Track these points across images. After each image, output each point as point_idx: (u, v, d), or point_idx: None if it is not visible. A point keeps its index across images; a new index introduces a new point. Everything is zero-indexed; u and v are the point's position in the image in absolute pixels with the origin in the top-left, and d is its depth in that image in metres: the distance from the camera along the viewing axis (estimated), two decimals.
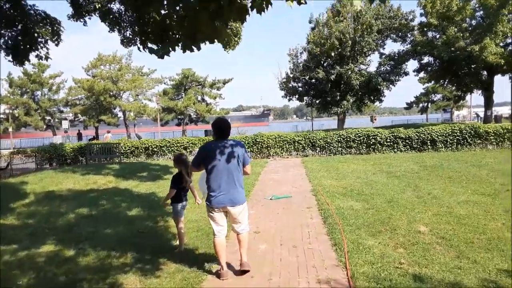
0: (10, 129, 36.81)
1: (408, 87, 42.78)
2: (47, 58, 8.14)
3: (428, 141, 16.90)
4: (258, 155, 17.93)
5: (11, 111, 37.26)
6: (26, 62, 7.81)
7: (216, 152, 4.34)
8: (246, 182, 11.06)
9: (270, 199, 8.61)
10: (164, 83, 41.30)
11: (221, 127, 4.49)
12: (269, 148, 17.84)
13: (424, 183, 9.69)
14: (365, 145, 17.17)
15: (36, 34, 7.70)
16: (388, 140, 17.02)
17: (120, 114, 40.17)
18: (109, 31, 11.60)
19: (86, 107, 37.22)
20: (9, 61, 7.64)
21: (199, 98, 42.75)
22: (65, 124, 34.84)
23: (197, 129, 45.68)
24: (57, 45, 8.74)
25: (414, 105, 52.81)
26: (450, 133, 16.85)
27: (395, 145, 17.03)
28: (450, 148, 16.85)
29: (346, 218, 6.58)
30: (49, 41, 8.29)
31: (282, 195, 8.90)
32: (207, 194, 4.46)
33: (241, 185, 4.46)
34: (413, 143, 16.97)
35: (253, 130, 19.78)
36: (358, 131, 17.42)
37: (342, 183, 10.05)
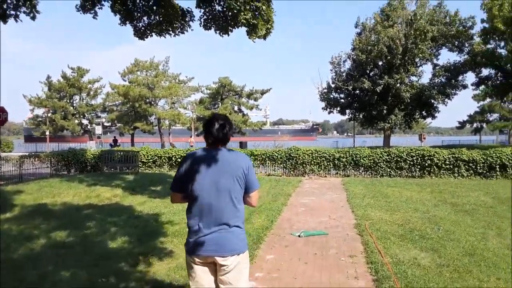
0: (47, 133, 36.83)
1: (456, 106, 39.02)
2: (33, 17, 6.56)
3: (497, 166, 14.01)
4: (291, 172, 15.77)
5: (48, 114, 37.34)
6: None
7: (203, 165, 2.59)
8: (271, 206, 8.95)
9: (299, 235, 6.43)
10: (201, 92, 40.22)
11: (215, 127, 2.62)
12: (304, 165, 15.62)
13: (508, 224, 7.22)
14: (418, 166, 14.52)
15: None
16: (447, 162, 14.29)
17: (155, 122, 39.32)
18: (120, 24, 10.09)
19: (122, 113, 36.60)
20: None
21: (236, 108, 41.25)
22: (98, 130, 34.24)
23: (233, 140, 44.12)
24: (33, 18, 7.14)
25: (468, 124, 48.34)
26: None
27: (456, 168, 14.27)
28: None
29: (411, 283, 4.29)
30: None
31: (315, 231, 6.69)
32: (187, 234, 2.66)
33: (239, 222, 2.62)
34: (478, 167, 14.14)
35: (301, 145, 17.72)
36: (411, 149, 14.81)
37: (396, 218, 7.68)
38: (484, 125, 48.04)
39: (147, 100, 35.89)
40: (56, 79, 38.61)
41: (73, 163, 16.75)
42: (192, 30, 10.56)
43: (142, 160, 16.87)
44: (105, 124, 40.91)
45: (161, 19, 9.77)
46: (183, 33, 10.41)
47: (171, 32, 9.95)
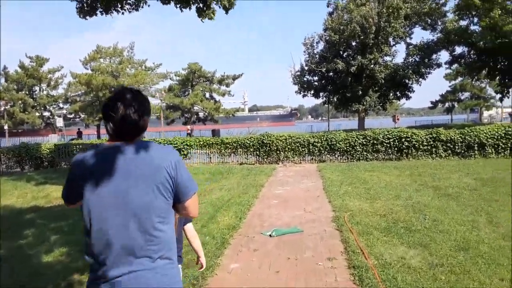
0: (6, 127, 34.53)
1: (426, 86, 39.01)
2: None
3: (475, 145, 13.61)
4: (265, 159, 14.94)
5: (6, 107, 34.97)
6: None
7: (101, 173, 1.67)
8: (241, 200, 8.05)
9: (270, 235, 5.59)
10: (170, 79, 38.64)
11: (119, 110, 1.69)
12: (278, 152, 14.81)
13: (496, 209, 6.63)
14: (396, 149, 13.97)
15: None
16: (425, 143, 13.79)
17: None
18: None
19: (85, 103, 34.67)
20: None
21: (207, 95, 39.98)
22: (60, 122, 32.14)
23: (205, 129, 43.00)
24: None
25: (440, 104, 48.76)
26: (503, 135, 13.53)
27: (434, 149, 13.78)
28: (502, 154, 13.54)
29: None
30: None
31: (289, 229, 5.87)
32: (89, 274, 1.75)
33: (166, 250, 1.70)
34: (456, 147, 13.71)
35: (281, 130, 16.97)
36: (388, 131, 14.22)
37: (377, 207, 6.97)
38: (456, 104, 48.60)
39: (112, 89, 34.11)
40: (13, 69, 36.20)
41: (27, 159, 15.37)
42: (149, 6, 9.47)
43: None
44: (68, 116, 38.77)
45: None
46: (137, 10, 9.29)
47: (119, 8, 8.81)
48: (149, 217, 1.63)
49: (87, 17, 8.58)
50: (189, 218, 1.89)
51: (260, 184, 10.05)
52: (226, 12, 7.96)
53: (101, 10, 8.49)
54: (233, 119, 45.65)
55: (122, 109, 1.66)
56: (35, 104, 36.74)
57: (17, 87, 36.13)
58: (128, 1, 8.93)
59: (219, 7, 8.00)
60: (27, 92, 36.54)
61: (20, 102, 35.73)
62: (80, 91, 35.54)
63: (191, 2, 8.17)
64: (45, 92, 37.37)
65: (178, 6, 8.61)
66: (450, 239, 5.07)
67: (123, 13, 8.80)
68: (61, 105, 39.07)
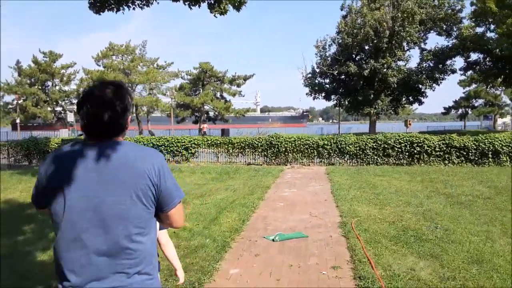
0: (18, 121, 34.92)
1: (440, 92, 38.16)
2: None
3: (490, 153, 13.24)
4: (273, 160, 14.72)
5: (19, 101, 35.34)
6: None
7: (75, 175, 1.43)
8: (246, 202, 7.85)
9: (273, 239, 5.38)
10: (181, 77, 38.65)
11: (94, 106, 1.47)
12: (286, 153, 14.58)
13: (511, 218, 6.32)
14: (407, 153, 13.64)
15: None
16: (437, 149, 13.44)
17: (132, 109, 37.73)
18: None
19: None
20: None
21: (218, 94, 39.90)
22: (70, 117, 32.30)
23: (215, 128, 42.96)
24: None
25: (453, 110, 47.97)
26: None
27: (447, 155, 13.43)
28: None
29: None
30: None
31: (293, 234, 5.65)
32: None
33: (144, 264, 1.48)
34: (470, 154, 13.34)
35: (292, 131, 16.92)
36: (399, 136, 13.90)
37: (386, 213, 6.71)
38: (469, 110, 47.80)
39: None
40: (26, 64, 36.63)
41: (35, 153, 15.40)
42: (158, 3, 9.39)
43: None
44: (73, 110, 39.06)
45: None
46: (147, 5, 9.20)
47: (130, 3, 8.71)
48: (126, 227, 1.43)
49: (100, 13, 8.48)
50: (171, 227, 1.68)
51: (267, 186, 9.84)
52: (238, 10, 7.78)
53: (113, 5, 8.39)
54: (245, 119, 45.55)
55: (98, 105, 1.46)
56: (48, 99, 37.10)
57: (30, 82, 36.58)
58: None
59: (230, 5, 7.83)
60: (39, 87, 36.95)
61: (32, 96, 36.11)
62: None
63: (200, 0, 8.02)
64: (57, 87, 37.77)
65: (187, 3, 8.48)
66: (462, 250, 4.81)
67: (134, 8, 8.70)
68: (73, 100, 39.45)
